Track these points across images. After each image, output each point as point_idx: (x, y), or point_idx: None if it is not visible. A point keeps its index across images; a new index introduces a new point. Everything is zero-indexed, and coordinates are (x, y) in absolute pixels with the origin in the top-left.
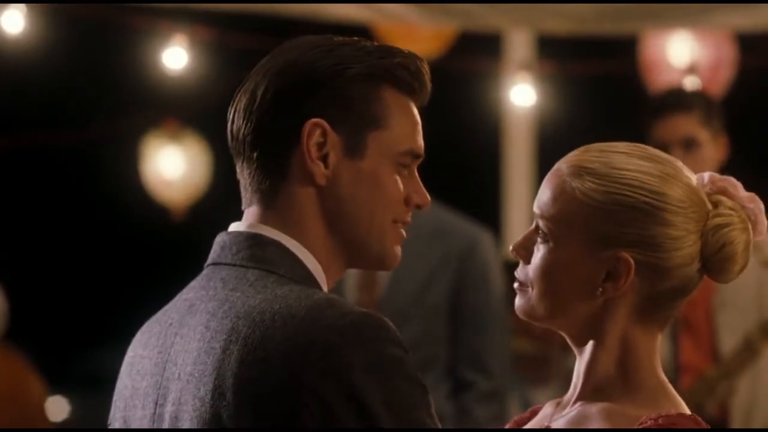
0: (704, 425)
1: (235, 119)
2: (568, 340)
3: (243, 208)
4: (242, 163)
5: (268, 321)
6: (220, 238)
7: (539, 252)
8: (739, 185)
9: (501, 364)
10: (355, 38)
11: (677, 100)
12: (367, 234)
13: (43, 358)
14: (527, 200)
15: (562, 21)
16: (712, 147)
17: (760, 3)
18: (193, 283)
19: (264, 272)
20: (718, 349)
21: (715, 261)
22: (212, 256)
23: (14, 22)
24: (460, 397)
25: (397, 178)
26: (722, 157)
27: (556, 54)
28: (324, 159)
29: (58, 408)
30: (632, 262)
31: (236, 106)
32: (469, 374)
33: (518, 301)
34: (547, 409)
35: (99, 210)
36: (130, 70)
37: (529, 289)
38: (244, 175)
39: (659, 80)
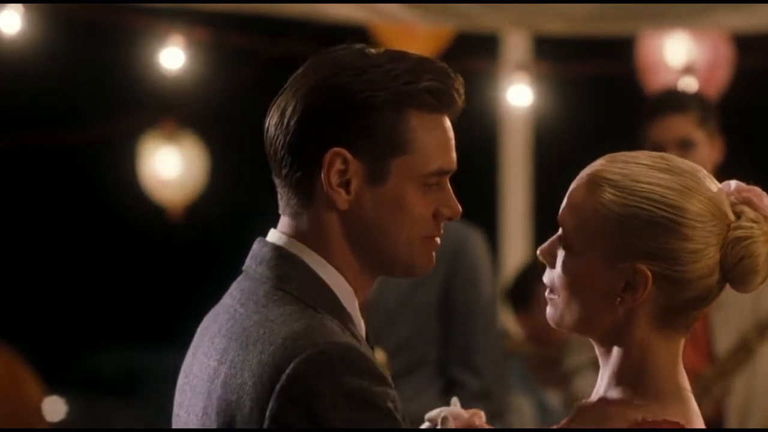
0: (682, 426)
1: (268, 133)
2: (595, 345)
3: (280, 212)
4: (275, 176)
5: (251, 346)
6: (254, 246)
7: (561, 260)
8: (764, 195)
9: (492, 363)
10: (392, 52)
11: (673, 100)
12: (394, 252)
13: (40, 358)
14: (524, 200)
15: (559, 21)
16: (708, 148)
17: (757, 4)
18: (230, 288)
19: (273, 288)
20: (714, 349)
21: (735, 273)
22: (246, 262)
23: (11, 22)
24: (451, 397)
25: (423, 196)
26: (718, 158)
27: (553, 54)
28: (346, 185)
29: (55, 408)
30: (649, 274)
31: (269, 120)
32: (460, 374)
33: (549, 310)
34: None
35: (96, 210)
36: (127, 71)
37: (557, 296)
38: (277, 186)
39: (656, 81)
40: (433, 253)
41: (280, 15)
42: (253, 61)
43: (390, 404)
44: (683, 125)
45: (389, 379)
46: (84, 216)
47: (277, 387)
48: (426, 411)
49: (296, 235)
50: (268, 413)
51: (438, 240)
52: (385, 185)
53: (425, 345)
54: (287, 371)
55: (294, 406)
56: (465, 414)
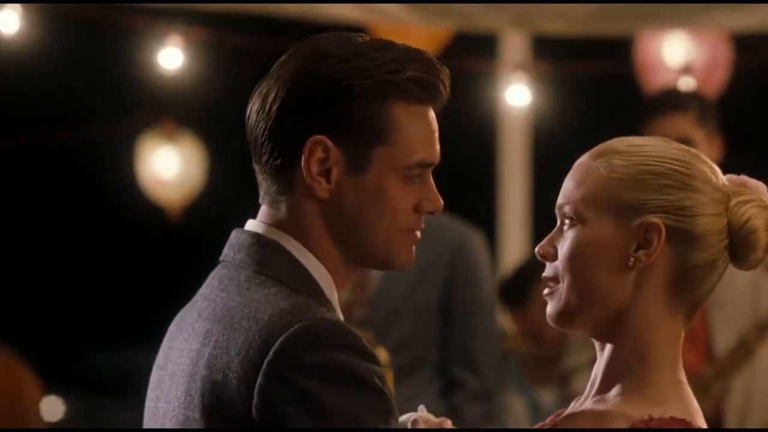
0: (694, 426)
1: (249, 119)
2: (594, 337)
3: (259, 202)
4: (255, 162)
5: (236, 325)
6: (231, 235)
7: (568, 238)
8: (754, 182)
9: (491, 363)
10: (377, 41)
11: (672, 99)
12: (373, 243)
13: (38, 358)
14: (522, 200)
15: (558, 21)
16: (707, 147)
17: (756, 3)
18: (207, 279)
19: (255, 273)
20: (713, 349)
21: (741, 235)
22: (223, 252)
23: (10, 22)
24: (451, 397)
25: (405, 188)
26: (717, 158)
27: (551, 54)
28: (327, 174)
29: (53, 408)
30: (662, 226)
31: (251, 106)
32: (460, 373)
33: (550, 306)
34: (572, 405)
35: (95, 210)
36: (126, 71)
37: (560, 283)
38: (257, 173)
39: (654, 81)
40: (413, 248)
41: (278, 15)
42: (251, 61)
43: (377, 381)
44: (682, 124)
45: (377, 357)
46: (83, 216)
47: (265, 362)
48: (426, 410)
49: (275, 223)
50: (256, 389)
51: (418, 234)
52: (366, 175)
53: (426, 344)
54: (275, 346)
55: (281, 382)
56: (434, 419)
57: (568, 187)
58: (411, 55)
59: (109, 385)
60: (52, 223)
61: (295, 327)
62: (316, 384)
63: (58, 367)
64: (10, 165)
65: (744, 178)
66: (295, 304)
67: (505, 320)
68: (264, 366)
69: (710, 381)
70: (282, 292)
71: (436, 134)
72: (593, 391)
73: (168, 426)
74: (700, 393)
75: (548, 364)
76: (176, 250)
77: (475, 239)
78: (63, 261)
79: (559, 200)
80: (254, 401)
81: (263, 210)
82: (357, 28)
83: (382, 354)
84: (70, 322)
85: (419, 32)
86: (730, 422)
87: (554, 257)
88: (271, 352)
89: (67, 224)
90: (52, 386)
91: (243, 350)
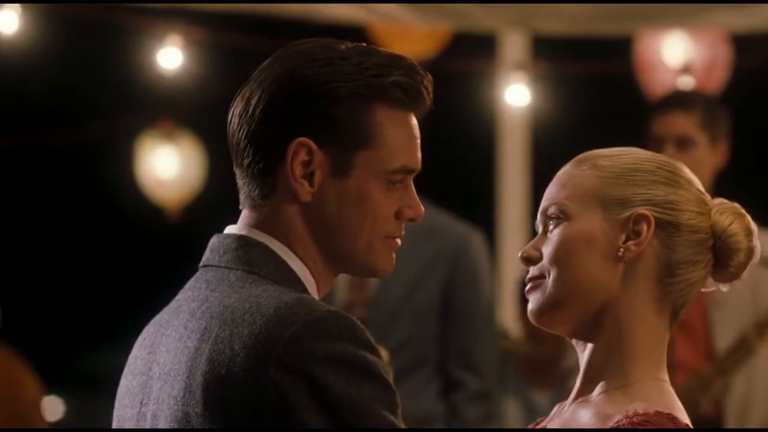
0: (681, 424)
1: (232, 123)
2: (574, 337)
3: (240, 207)
4: (236, 166)
5: (238, 319)
6: (212, 241)
7: (554, 236)
8: (729, 202)
9: (491, 363)
10: (360, 46)
11: (679, 98)
12: (354, 248)
13: (39, 358)
14: (521, 200)
15: (557, 21)
16: (709, 151)
17: (755, 3)
18: (186, 285)
19: (245, 273)
20: (713, 347)
21: (725, 238)
22: (204, 258)
23: (10, 22)
24: (450, 397)
25: (387, 194)
26: (719, 163)
27: (550, 54)
28: (310, 177)
29: (53, 408)
30: (651, 217)
31: (234, 110)
32: (459, 374)
33: (532, 301)
34: (555, 409)
35: (94, 210)
36: (125, 70)
37: (545, 278)
38: (238, 177)
39: (654, 80)
40: (393, 255)
41: (278, 15)
42: (250, 61)
43: (384, 373)
44: (684, 123)
45: (379, 351)
46: (82, 216)
47: (275, 354)
48: (425, 410)
49: (258, 226)
50: (267, 381)
51: (399, 241)
52: (348, 179)
53: (425, 345)
54: (285, 337)
55: (293, 372)
56: None
57: (550, 191)
58: (395, 60)
59: (109, 384)
60: (51, 222)
61: (305, 319)
62: (327, 374)
63: (58, 367)
64: (10, 165)
65: (720, 199)
66: (298, 298)
67: (504, 321)
68: (274, 357)
69: (710, 379)
70: (280, 288)
71: (418, 141)
72: (575, 392)
73: (162, 426)
74: (701, 391)
75: (546, 366)
76: (175, 250)
77: (475, 240)
78: (62, 261)
79: (543, 205)
80: (265, 393)
81: (245, 214)
82: (356, 28)
83: (383, 354)
84: (69, 322)
85: (419, 32)
86: (730, 421)
87: (539, 260)
88: (280, 344)
89: (66, 224)
90: (52, 386)
91: (249, 343)
